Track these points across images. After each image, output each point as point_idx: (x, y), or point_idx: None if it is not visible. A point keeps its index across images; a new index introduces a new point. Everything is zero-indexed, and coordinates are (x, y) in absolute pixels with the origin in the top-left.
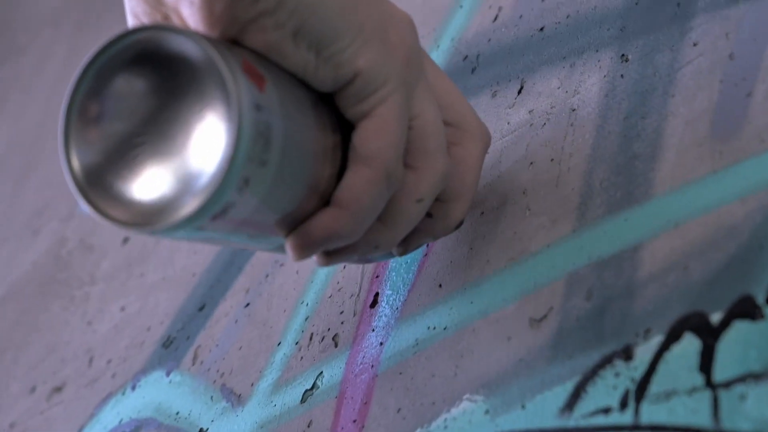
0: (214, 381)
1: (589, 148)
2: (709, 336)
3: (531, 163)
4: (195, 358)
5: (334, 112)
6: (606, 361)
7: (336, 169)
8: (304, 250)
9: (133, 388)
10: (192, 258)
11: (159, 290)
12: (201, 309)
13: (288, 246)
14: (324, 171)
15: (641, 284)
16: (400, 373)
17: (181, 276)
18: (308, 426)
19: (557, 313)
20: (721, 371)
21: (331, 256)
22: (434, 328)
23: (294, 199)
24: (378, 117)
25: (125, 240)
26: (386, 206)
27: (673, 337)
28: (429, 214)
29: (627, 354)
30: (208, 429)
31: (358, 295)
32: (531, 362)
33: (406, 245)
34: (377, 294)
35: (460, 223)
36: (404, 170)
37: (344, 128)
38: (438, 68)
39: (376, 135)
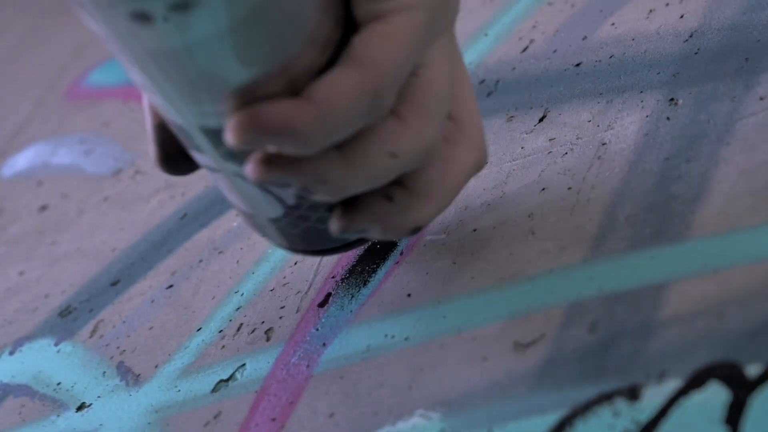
0: (111, 357)
1: (617, 183)
2: (742, 388)
3: (543, 188)
4: (94, 331)
5: (344, 8)
6: (604, 398)
7: (319, 66)
8: (247, 133)
9: (12, 353)
10: (116, 234)
11: (69, 260)
12: (114, 284)
13: (231, 122)
14: (306, 55)
15: (661, 325)
16: (341, 377)
17: (99, 249)
18: (215, 417)
19: (550, 341)
20: (752, 428)
21: (271, 163)
22: (393, 336)
23: (263, 57)
24: (391, 23)
25: (43, 207)
26: (354, 140)
27: (694, 383)
28: (390, 198)
29: (632, 394)
30: (91, 405)
31: (306, 292)
32: (508, 387)
33: (349, 218)
34: (329, 294)
35: (417, 229)
36: (390, 115)
37: (347, 31)
38: (461, 58)
39: (381, 40)
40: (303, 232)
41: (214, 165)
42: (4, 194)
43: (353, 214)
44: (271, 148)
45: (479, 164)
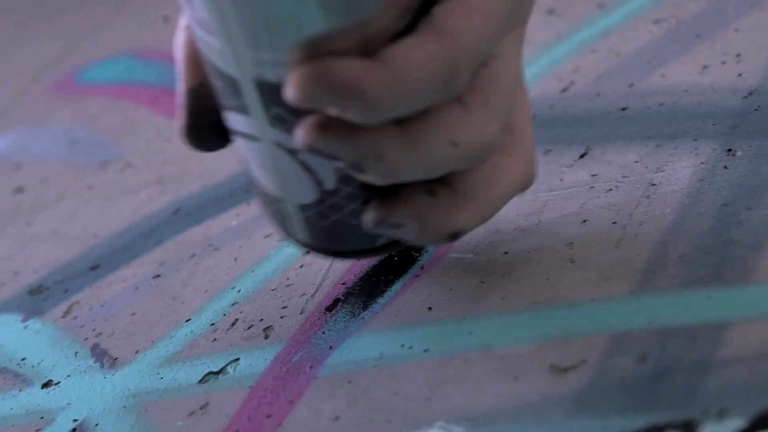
0: (86, 338)
1: (668, 222)
2: None
3: (584, 220)
4: (68, 312)
5: None
6: (655, 430)
7: (395, 30)
8: (313, 86)
9: None
10: (98, 222)
11: (43, 242)
12: (94, 269)
13: (297, 73)
14: (385, 16)
15: (721, 364)
16: (349, 382)
17: (79, 235)
18: (201, 408)
19: (592, 368)
20: None
21: (327, 128)
22: (411, 347)
23: (343, 6)
24: None
25: (19, 189)
26: (416, 120)
27: (760, 425)
28: (433, 193)
29: (688, 428)
30: (59, 383)
31: (312, 295)
32: (542, 409)
33: (387, 208)
34: (338, 300)
35: (455, 236)
36: (455, 102)
37: (427, 1)
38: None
39: (465, 13)
40: (331, 226)
41: (255, 132)
42: None
43: (392, 205)
44: (332, 111)
45: (528, 180)
